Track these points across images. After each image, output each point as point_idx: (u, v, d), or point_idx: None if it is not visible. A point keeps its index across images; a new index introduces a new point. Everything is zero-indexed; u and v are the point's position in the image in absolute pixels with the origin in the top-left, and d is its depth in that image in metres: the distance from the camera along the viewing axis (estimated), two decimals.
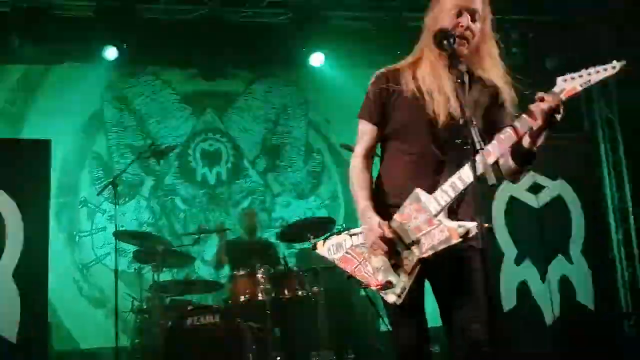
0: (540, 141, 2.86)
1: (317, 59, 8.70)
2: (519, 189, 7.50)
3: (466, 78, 2.82)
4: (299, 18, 8.14)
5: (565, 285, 7.34)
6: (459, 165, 2.89)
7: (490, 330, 2.83)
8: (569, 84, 2.75)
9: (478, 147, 2.60)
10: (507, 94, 3.07)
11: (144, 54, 8.44)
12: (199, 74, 8.99)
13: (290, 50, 8.56)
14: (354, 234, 3.10)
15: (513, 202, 7.48)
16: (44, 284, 6.30)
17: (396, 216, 2.97)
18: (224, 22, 8.02)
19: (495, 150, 2.81)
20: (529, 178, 7.55)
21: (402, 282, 2.92)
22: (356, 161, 3.18)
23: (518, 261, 7.34)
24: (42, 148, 6.62)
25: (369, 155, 3.17)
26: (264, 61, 8.86)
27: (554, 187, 7.62)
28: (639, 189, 8.75)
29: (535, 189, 7.58)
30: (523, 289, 7.29)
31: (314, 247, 3.21)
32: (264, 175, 9.14)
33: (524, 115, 2.80)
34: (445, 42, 2.85)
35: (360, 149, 3.18)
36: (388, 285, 2.94)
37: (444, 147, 2.99)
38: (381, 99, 3.11)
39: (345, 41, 8.36)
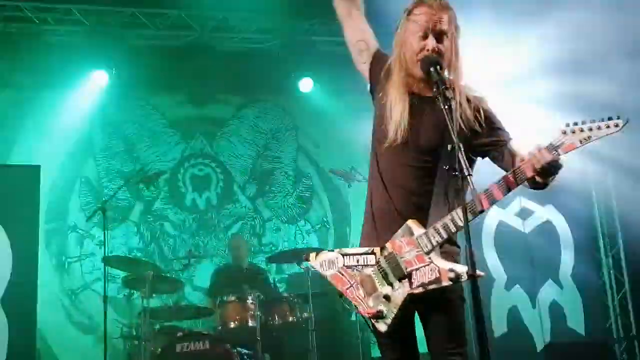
0: (547, 179, 2.83)
1: (306, 85, 8.76)
2: (508, 214, 7.53)
3: (453, 102, 2.76)
4: (288, 44, 8.21)
5: (556, 310, 7.34)
6: (446, 192, 2.93)
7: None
8: (568, 139, 2.70)
9: (466, 173, 2.61)
10: (486, 106, 3.06)
11: (134, 79, 8.45)
12: (188, 100, 9.02)
13: (279, 76, 8.60)
14: (347, 255, 3.09)
15: (502, 227, 7.50)
16: (32, 311, 6.26)
17: (388, 245, 2.99)
18: (213, 48, 8.08)
19: (488, 199, 2.85)
20: (516, 203, 7.58)
21: (392, 312, 2.94)
22: None
23: (508, 286, 7.35)
24: (31, 173, 6.60)
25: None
26: (253, 86, 8.89)
27: (542, 212, 7.65)
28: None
29: (524, 214, 7.61)
30: (514, 314, 7.29)
31: (307, 258, 3.19)
32: (254, 200, 9.14)
33: (518, 167, 2.81)
34: (432, 70, 2.86)
35: None
36: (379, 314, 2.96)
37: (426, 163, 2.99)
38: (379, 70, 3.20)
39: (334, 66, 8.41)
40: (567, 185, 7.59)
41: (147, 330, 6.55)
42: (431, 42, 2.98)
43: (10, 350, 6.04)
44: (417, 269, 2.91)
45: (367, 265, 3.03)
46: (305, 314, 6.83)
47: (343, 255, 3.10)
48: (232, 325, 6.62)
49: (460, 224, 2.83)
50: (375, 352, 7.32)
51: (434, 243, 2.91)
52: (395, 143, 2.98)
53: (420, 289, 2.90)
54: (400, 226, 2.96)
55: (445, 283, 2.86)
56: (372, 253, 3.04)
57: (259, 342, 6.61)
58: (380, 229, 3.06)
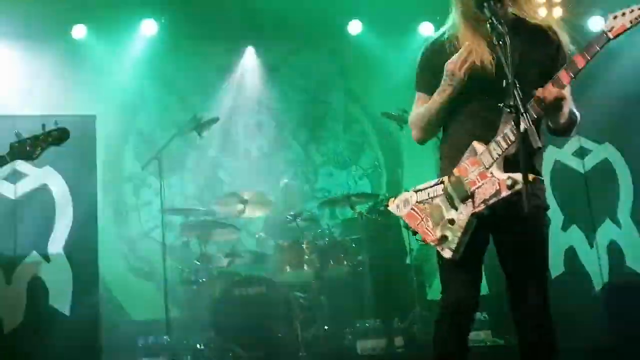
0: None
1: (354, 27, 8.64)
2: (565, 154, 7.38)
3: (508, 37, 2.70)
4: None
5: (614, 250, 7.22)
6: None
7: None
8: (618, 21, 2.72)
9: (522, 110, 2.60)
10: (559, 35, 3.04)
11: (183, 28, 8.46)
12: (237, 47, 8.99)
13: (327, 18, 8.47)
14: (419, 190, 3.13)
15: (559, 167, 7.36)
16: (94, 258, 6.40)
17: (454, 170, 3.00)
18: None
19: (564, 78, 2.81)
20: (574, 142, 7.42)
21: (456, 236, 2.93)
22: (412, 114, 3.25)
23: (565, 227, 7.24)
24: (87, 123, 6.68)
25: None
26: (302, 31, 8.78)
27: (600, 151, 7.47)
28: None
29: (581, 153, 7.45)
30: (571, 255, 7.19)
31: (387, 205, 3.28)
32: (306, 146, 9.15)
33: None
34: (485, 4, 2.81)
35: (414, 111, 3.23)
36: (443, 239, 2.96)
37: (494, 111, 2.94)
38: (429, 69, 3.14)
39: (382, 8, 8.26)
40: (624, 121, 7.40)
41: (206, 275, 6.69)
42: None
43: (75, 296, 6.22)
44: (479, 187, 2.90)
45: (436, 196, 3.04)
46: (360, 258, 6.87)
47: (416, 191, 3.15)
48: (287, 269, 6.71)
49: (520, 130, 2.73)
50: (431, 294, 7.35)
51: (495, 156, 2.89)
52: (471, 83, 2.98)
53: (482, 206, 2.88)
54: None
55: (505, 193, 2.82)
56: (441, 182, 3.05)
57: (314, 286, 6.70)
58: (455, 161, 3.03)
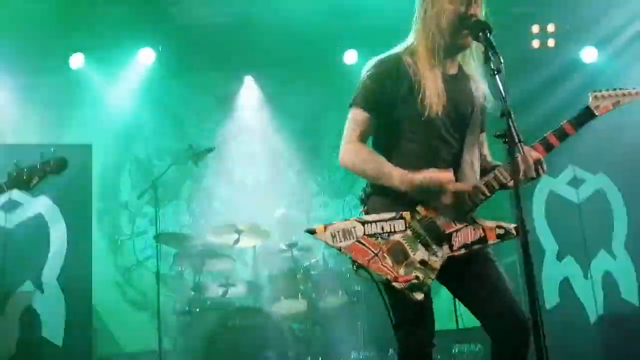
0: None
1: (350, 57, 8.71)
2: (559, 184, 7.41)
3: (503, 68, 2.72)
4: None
5: (609, 281, 7.21)
6: (473, 153, 2.98)
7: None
8: (601, 102, 2.97)
9: (517, 139, 2.58)
10: (485, 86, 3.14)
11: (180, 56, 8.51)
12: (234, 76, 9.04)
13: (323, 49, 8.52)
14: (367, 222, 2.88)
15: (553, 197, 7.38)
16: (87, 288, 6.40)
17: (420, 209, 2.90)
18: (259, 23, 8.03)
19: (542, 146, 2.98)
20: (568, 171, 7.45)
21: (429, 278, 2.80)
22: (352, 145, 3.02)
23: (560, 257, 7.24)
24: (83, 152, 6.70)
25: (364, 142, 3.04)
26: (298, 60, 8.83)
27: (594, 181, 7.50)
28: None
29: (576, 183, 7.48)
30: (565, 286, 7.19)
31: (312, 232, 2.92)
32: (301, 175, 9.15)
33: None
34: (481, 35, 2.80)
35: (354, 135, 3.03)
36: (415, 282, 2.78)
37: (456, 139, 2.98)
38: (387, 87, 3.01)
39: (378, 38, 8.30)
40: (619, 152, 7.44)
41: (199, 305, 6.65)
42: (476, 8, 2.98)
43: (68, 327, 6.19)
44: (457, 230, 2.84)
45: (394, 232, 2.86)
46: (356, 288, 6.84)
47: (363, 223, 2.88)
48: (282, 299, 6.68)
49: (504, 181, 2.84)
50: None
51: (477, 201, 2.87)
52: (430, 116, 2.92)
53: (463, 250, 2.82)
54: None
55: (492, 241, 2.82)
56: (401, 218, 2.88)
57: (309, 316, 6.67)
58: (404, 197, 2.89)
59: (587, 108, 2.98)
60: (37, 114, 8.17)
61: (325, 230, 2.89)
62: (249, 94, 9.14)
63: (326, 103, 9.32)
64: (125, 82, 8.46)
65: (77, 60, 8.15)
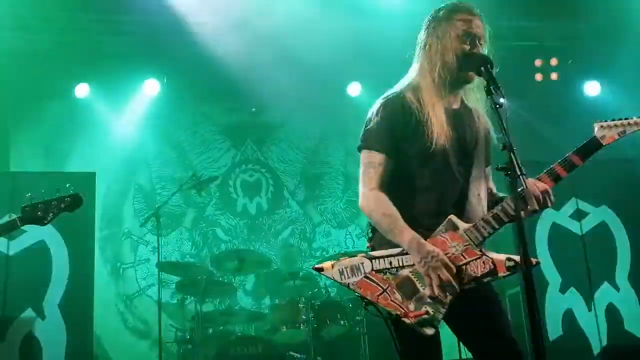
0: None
1: (354, 89, 8.77)
2: (562, 216, 7.41)
3: (505, 102, 2.78)
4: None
5: (613, 313, 7.18)
6: (480, 187, 3.02)
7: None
8: (607, 132, 2.96)
9: (519, 172, 2.59)
10: (488, 121, 3.16)
11: (185, 87, 8.58)
12: (237, 107, 9.11)
13: (327, 81, 8.58)
14: (375, 257, 2.87)
15: (556, 229, 7.38)
16: (89, 316, 6.38)
17: (428, 243, 2.87)
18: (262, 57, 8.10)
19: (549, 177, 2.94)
20: (571, 204, 7.46)
21: (440, 313, 2.77)
22: (374, 193, 2.98)
23: (563, 289, 7.23)
24: (87, 180, 6.73)
25: (384, 188, 2.99)
26: (301, 92, 8.87)
27: (597, 214, 7.51)
28: None
29: (579, 215, 7.48)
30: (569, 318, 7.16)
31: (319, 270, 2.90)
32: (304, 205, 9.17)
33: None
34: (483, 69, 2.84)
35: (374, 181, 2.99)
36: (426, 317, 2.76)
37: (461, 172, 3.01)
38: (396, 126, 3.01)
39: (382, 70, 8.35)
40: (622, 185, 7.46)
41: (201, 334, 6.63)
42: (479, 48, 3.02)
43: (69, 354, 6.17)
44: (467, 263, 2.83)
45: (403, 267, 2.85)
46: (358, 318, 6.82)
47: (370, 259, 2.87)
48: (284, 329, 6.65)
49: (513, 213, 2.79)
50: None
51: (485, 234, 2.86)
52: (437, 149, 2.94)
53: (473, 283, 2.81)
54: (436, 224, 2.89)
55: (503, 274, 2.80)
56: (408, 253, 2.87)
57: (311, 346, 6.63)
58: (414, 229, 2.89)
59: (594, 138, 2.95)
60: (42, 142, 8.23)
61: (332, 268, 2.88)
62: (252, 124, 9.19)
63: (330, 133, 9.37)
64: (130, 111, 8.53)
65: (82, 90, 8.23)
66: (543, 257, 7.21)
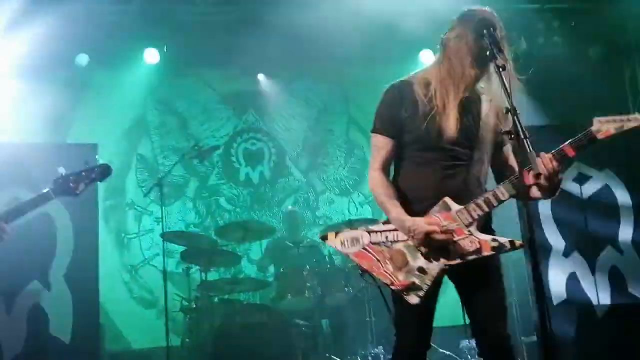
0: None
1: (354, 57, 8.68)
2: (565, 181, 7.38)
3: (507, 65, 2.88)
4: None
5: (616, 275, 7.20)
6: (480, 170, 3.14)
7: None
8: (604, 126, 3.00)
9: (523, 135, 2.64)
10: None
11: (184, 55, 8.52)
12: (239, 74, 9.05)
13: (328, 50, 8.49)
14: (373, 231, 3.15)
15: (559, 194, 7.36)
16: (94, 286, 6.40)
17: (409, 218, 3.07)
18: (263, 22, 8.03)
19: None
20: (573, 168, 7.44)
21: (425, 284, 3.01)
22: (376, 174, 3.23)
23: (566, 253, 7.23)
24: (89, 151, 6.71)
25: (386, 168, 3.25)
26: (303, 59, 8.80)
27: (600, 177, 7.49)
28: None
29: (581, 179, 7.46)
30: (573, 281, 7.18)
31: (324, 238, 3.26)
32: (307, 173, 9.17)
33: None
34: (485, 31, 2.92)
35: (377, 162, 3.24)
36: (411, 286, 3.02)
37: (462, 156, 3.13)
38: (395, 110, 3.20)
39: (379, 35, 8.26)
40: (625, 148, 7.41)
41: (206, 303, 6.67)
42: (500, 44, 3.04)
43: (75, 324, 6.19)
44: (454, 242, 3.01)
45: (397, 241, 3.10)
46: (362, 285, 6.85)
47: (369, 232, 3.16)
48: (289, 296, 6.69)
49: (503, 198, 3.01)
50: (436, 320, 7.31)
51: (475, 216, 3.03)
52: (443, 139, 3.10)
53: (458, 260, 3.01)
54: (433, 204, 3.08)
55: (487, 253, 2.99)
56: None
57: (316, 314, 6.68)
58: (407, 207, 3.11)
59: (589, 131, 3.01)
60: (42, 113, 8.19)
61: (335, 237, 3.19)
62: (254, 92, 9.14)
63: (333, 100, 9.33)
64: (131, 81, 8.49)
65: (82, 60, 8.17)
66: (547, 222, 7.21)
